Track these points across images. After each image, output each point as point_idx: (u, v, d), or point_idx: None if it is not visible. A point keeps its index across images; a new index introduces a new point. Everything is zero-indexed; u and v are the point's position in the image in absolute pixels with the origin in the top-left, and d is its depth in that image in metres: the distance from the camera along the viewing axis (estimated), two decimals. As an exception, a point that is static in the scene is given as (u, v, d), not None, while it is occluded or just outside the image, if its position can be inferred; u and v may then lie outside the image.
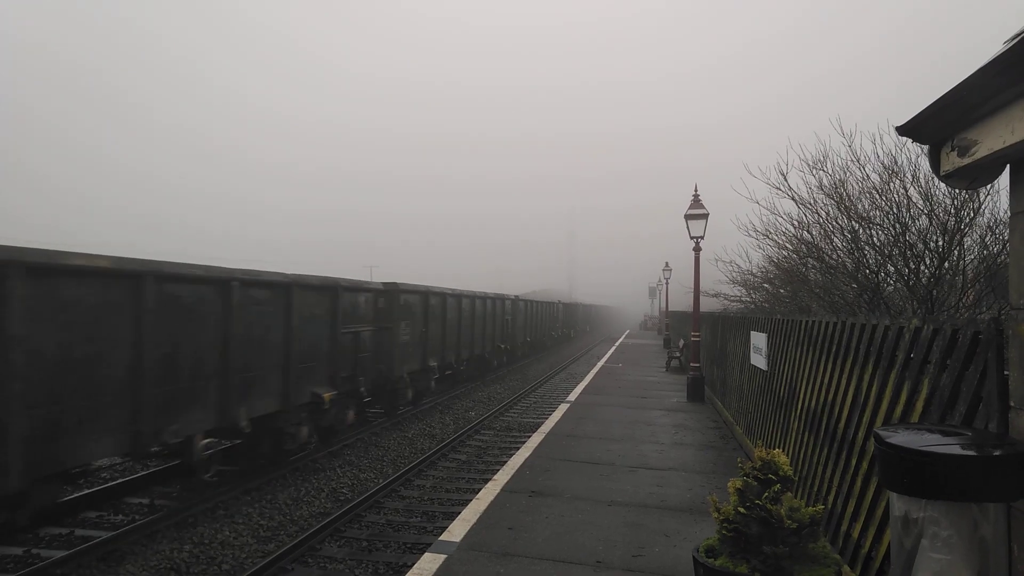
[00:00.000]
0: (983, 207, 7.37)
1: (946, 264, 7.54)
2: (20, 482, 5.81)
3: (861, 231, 8.46)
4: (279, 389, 9.69)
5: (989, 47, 2.17)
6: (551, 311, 39.07)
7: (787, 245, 10.48)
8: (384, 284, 14.28)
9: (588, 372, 20.97)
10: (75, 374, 6.31)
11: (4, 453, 5.61)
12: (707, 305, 16.16)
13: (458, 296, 19.34)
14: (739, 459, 4.24)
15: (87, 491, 8.88)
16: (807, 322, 5.73)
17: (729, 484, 3.25)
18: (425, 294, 16.27)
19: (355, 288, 12.50)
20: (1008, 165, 2.47)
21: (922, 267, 7.76)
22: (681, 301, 33.24)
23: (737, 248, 12.94)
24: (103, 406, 6.62)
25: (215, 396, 8.31)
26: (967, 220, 7.37)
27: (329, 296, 11.19)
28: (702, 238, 13.82)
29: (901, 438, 2.34)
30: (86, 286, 6.46)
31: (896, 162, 8.05)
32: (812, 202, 9.31)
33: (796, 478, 4.72)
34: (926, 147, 2.78)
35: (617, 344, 37.67)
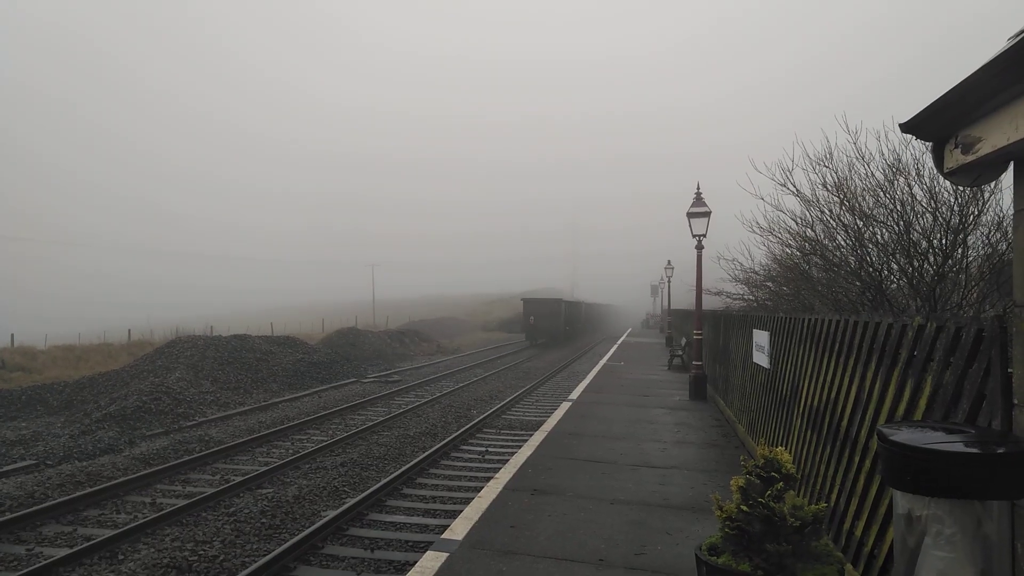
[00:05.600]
0: (987, 205, 7.35)
1: (950, 262, 7.51)
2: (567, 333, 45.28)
3: (865, 229, 8.43)
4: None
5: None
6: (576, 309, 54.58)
7: (790, 242, 10.46)
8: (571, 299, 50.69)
9: (590, 370, 20.97)
10: (561, 319, 43.76)
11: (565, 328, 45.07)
12: (709, 303, 16.13)
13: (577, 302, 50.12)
14: (742, 457, 4.23)
15: (89, 489, 8.92)
16: (810, 320, 5.72)
17: (732, 482, 3.24)
18: (558, 300, 44.81)
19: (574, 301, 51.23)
20: (1012, 162, 2.45)
21: (926, 265, 7.73)
22: (683, 299, 33.22)
23: (739, 246, 12.93)
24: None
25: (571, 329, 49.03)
26: (971, 217, 7.35)
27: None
28: (704, 236, 13.79)
29: (904, 436, 2.33)
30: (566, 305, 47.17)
31: (900, 159, 8.03)
32: (816, 199, 9.29)
33: (799, 476, 4.70)
34: (930, 144, 2.76)
35: (619, 342, 37.65)
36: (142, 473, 9.79)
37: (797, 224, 9.93)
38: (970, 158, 2.41)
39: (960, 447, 2.23)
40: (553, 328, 42.64)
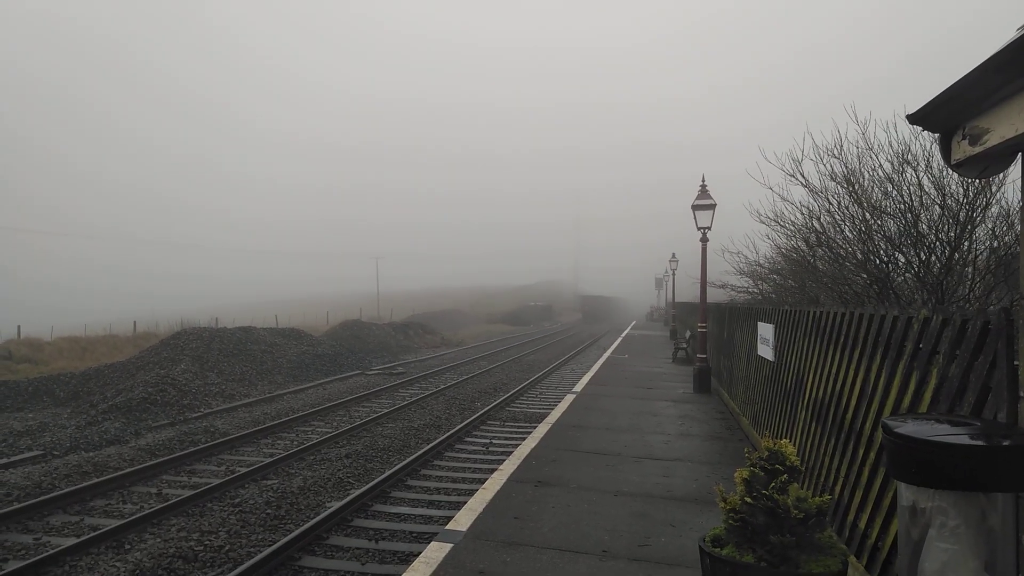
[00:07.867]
0: (995, 197, 7.30)
1: (957, 254, 7.48)
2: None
3: (872, 220, 8.39)
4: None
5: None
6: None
7: (796, 234, 10.42)
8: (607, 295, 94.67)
9: (594, 363, 20.98)
10: (601, 310, 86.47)
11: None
12: (714, 296, 16.11)
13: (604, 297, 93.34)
14: (746, 449, 4.23)
15: (95, 480, 8.98)
16: (815, 312, 5.70)
17: (736, 474, 3.24)
18: (603, 297, 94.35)
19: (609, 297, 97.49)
20: (1020, 154, 2.43)
21: (933, 257, 7.69)
22: (688, 292, 33.21)
23: (744, 239, 12.88)
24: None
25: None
26: (979, 210, 7.30)
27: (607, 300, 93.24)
28: (709, 228, 13.74)
29: (910, 428, 2.32)
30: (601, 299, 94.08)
31: (910, 151, 7.98)
32: (824, 190, 9.24)
33: (803, 468, 4.71)
34: (937, 135, 2.74)
35: (623, 335, 37.64)
36: (148, 464, 9.85)
37: (803, 215, 9.90)
38: (977, 149, 2.39)
39: (965, 439, 2.22)
40: (597, 312, 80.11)
